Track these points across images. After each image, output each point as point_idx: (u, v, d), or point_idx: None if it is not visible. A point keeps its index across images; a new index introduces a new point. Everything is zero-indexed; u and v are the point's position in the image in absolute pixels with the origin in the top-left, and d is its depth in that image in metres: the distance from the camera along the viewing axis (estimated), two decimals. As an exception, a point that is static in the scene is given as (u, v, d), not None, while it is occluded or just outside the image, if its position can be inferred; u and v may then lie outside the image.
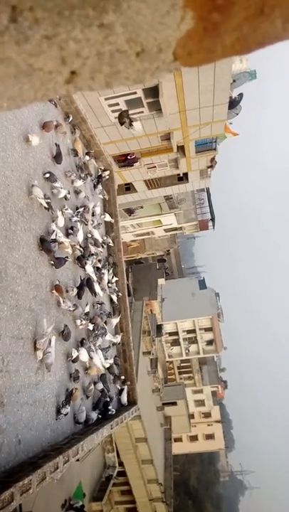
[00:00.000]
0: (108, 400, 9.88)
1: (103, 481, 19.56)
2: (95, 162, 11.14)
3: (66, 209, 8.21)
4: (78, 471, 16.43)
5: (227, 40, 0.72)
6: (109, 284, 11.46)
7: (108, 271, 11.53)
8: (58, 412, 7.18)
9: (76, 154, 9.78)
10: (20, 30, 0.60)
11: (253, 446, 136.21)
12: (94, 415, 8.97)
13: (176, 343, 45.17)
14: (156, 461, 26.13)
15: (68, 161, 9.44)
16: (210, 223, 32.05)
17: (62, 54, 0.65)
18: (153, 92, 12.99)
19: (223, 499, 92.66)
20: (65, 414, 7.29)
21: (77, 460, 14.67)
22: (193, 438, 49.63)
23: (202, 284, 46.96)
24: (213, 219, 31.56)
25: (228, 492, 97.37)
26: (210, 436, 51.28)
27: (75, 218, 8.70)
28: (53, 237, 7.60)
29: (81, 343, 8.59)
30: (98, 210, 10.75)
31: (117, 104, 13.45)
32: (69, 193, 8.66)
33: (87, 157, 10.60)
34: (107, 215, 11.94)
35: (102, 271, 10.86)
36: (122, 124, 11.38)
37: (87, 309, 9.25)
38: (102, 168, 12.05)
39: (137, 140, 15.91)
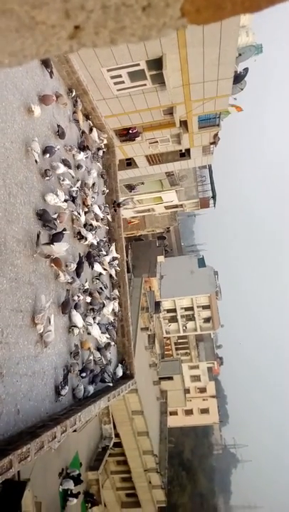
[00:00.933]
0: (107, 375, 10.07)
1: (99, 452, 20.06)
2: (95, 132, 10.91)
3: (64, 180, 8.11)
4: (75, 442, 16.84)
5: (237, -4, 0.69)
6: (112, 262, 11.41)
7: (109, 247, 11.52)
8: (58, 393, 7.31)
9: (78, 126, 9.61)
10: None
11: (247, 421, 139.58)
12: (91, 389, 9.14)
13: (173, 319, 45.62)
14: (152, 434, 26.80)
15: (69, 134, 9.28)
16: (211, 201, 31.81)
17: (66, 6, 0.62)
18: (156, 64, 12.66)
19: (216, 471, 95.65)
20: (64, 395, 7.43)
21: (75, 431, 15.02)
22: (189, 412, 50.80)
23: (201, 262, 47.07)
24: (214, 197, 31.31)
25: (220, 464, 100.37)
26: (205, 411, 52.49)
27: (74, 188, 8.63)
28: (54, 216, 7.57)
29: (74, 307, 8.55)
30: (96, 182, 10.63)
31: (120, 76, 13.14)
32: (70, 168, 8.56)
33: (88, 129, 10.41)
34: (99, 182, 11.69)
35: (103, 251, 10.77)
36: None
37: (86, 285, 9.29)
38: (103, 138, 11.76)
39: (140, 114, 15.61)
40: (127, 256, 26.82)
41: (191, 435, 69.24)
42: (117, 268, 11.99)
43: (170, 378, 35.34)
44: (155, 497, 28.28)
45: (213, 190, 31.18)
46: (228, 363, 68.64)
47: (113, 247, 11.67)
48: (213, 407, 52.91)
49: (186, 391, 42.41)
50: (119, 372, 11.53)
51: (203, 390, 51.80)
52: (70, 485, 15.19)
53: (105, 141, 11.85)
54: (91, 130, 10.77)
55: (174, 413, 46.88)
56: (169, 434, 34.67)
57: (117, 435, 22.64)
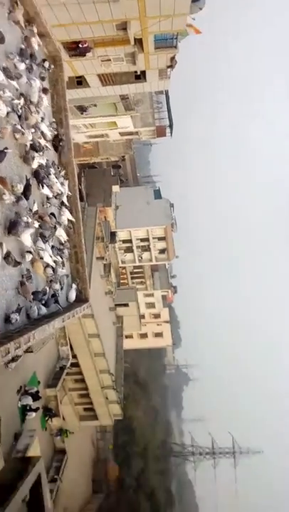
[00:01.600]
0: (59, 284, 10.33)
1: (57, 371, 21.05)
2: (39, 40, 9.99)
3: (5, 92, 7.55)
4: (33, 362, 17.53)
5: None
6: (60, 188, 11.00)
7: (59, 173, 11.13)
8: (8, 319, 7.44)
9: (21, 29, 8.76)
10: None
11: (198, 344, 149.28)
12: (44, 310, 9.35)
13: (129, 250, 46.26)
14: (108, 355, 28.30)
15: (10, 39, 8.46)
16: (168, 130, 31.11)
17: None
18: None
19: (169, 389, 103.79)
20: (16, 320, 7.57)
21: (31, 351, 15.58)
22: (144, 335, 53.83)
23: (157, 194, 47.01)
24: (171, 125, 30.62)
25: (173, 383, 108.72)
26: (158, 335, 55.82)
27: (16, 102, 8.06)
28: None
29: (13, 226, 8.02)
30: (44, 100, 9.97)
31: (67, -21, 11.95)
32: (12, 79, 7.97)
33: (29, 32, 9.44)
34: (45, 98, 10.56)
35: (51, 174, 10.34)
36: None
37: (35, 207, 9.09)
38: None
39: (90, 26, 14.48)
40: (80, 183, 26.26)
41: (145, 356, 73.58)
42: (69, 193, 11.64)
43: (126, 305, 36.69)
44: (111, 411, 30.57)
45: (170, 118, 30.38)
46: (181, 291, 71.52)
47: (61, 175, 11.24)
48: (166, 331, 56.16)
49: (142, 317, 44.39)
50: (72, 295, 11.74)
51: (157, 315, 54.52)
52: (28, 401, 16.07)
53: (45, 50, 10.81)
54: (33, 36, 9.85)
55: (129, 336, 49.33)
56: (124, 355, 36.70)
57: (74, 356, 23.70)
